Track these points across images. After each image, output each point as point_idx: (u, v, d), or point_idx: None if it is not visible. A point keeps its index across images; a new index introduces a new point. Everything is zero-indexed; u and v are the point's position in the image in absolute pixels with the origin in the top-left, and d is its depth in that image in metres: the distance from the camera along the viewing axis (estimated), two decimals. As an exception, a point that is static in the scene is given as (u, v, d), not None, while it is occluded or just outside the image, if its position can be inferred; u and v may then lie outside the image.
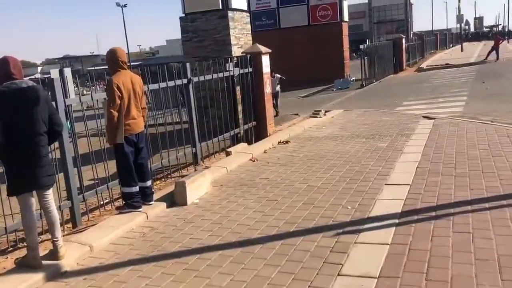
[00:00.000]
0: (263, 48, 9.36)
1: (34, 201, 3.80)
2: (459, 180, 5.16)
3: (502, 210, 4.16)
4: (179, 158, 7.01)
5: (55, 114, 3.89)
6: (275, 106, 13.54)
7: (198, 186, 5.42)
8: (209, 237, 4.21)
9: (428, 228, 3.93)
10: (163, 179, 6.67)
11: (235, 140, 8.77)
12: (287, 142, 8.46)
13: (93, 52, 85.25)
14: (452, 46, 50.48)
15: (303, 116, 11.56)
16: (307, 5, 24.92)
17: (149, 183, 5.17)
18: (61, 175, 4.99)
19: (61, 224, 5.07)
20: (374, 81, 20.90)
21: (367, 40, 26.34)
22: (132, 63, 44.14)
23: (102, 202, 5.62)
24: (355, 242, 3.78)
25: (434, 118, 9.48)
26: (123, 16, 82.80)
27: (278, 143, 8.38)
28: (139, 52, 79.54)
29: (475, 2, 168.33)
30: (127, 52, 53.38)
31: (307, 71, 23.24)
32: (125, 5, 50.98)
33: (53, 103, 4.87)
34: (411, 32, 51.36)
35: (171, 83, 6.91)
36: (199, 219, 4.73)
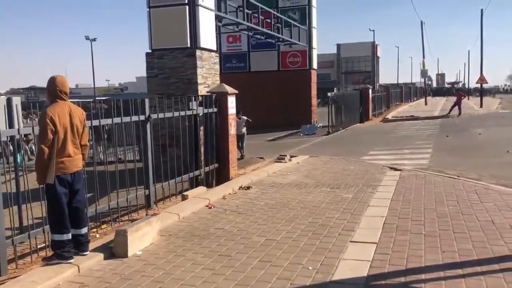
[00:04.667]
0: (229, 89, 9.04)
1: None
2: (429, 241, 4.76)
3: (478, 279, 3.75)
4: (129, 200, 6.44)
5: None
6: (241, 148, 13.18)
7: (143, 235, 4.80)
8: (146, 300, 3.60)
9: (397, 298, 3.47)
10: (110, 223, 6.06)
11: (195, 183, 8.23)
12: (248, 187, 7.98)
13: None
14: (416, 99, 52.02)
15: (268, 160, 11.18)
16: (278, 50, 25.21)
17: (84, 230, 4.52)
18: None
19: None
20: (341, 128, 20.95)
21: (335, 89, 26.69)
22: (97, 98, 43.31)
23: (35, 248, 4.95)
24: (314, 313, 3.27)
25: (400, 170, 9.26)
26: (92, 49, 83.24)
27: (239, 188, 7.89)
28: (107, 87, 78.18)
29: (438, 59, 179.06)
30: (93, 86, 52.77)
31: (275, 116, 23.20)
32: (94, 39, 50.33)
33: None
34: (377, 84, 52.99)
35: (126, 119, 6.46)
36: (138, 275, 4.10)
